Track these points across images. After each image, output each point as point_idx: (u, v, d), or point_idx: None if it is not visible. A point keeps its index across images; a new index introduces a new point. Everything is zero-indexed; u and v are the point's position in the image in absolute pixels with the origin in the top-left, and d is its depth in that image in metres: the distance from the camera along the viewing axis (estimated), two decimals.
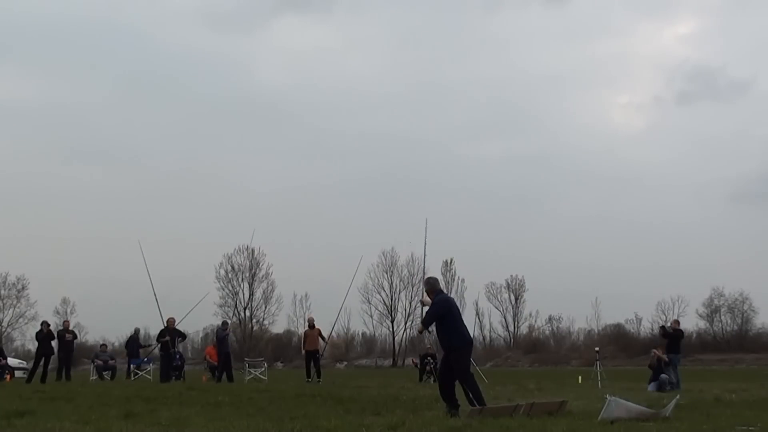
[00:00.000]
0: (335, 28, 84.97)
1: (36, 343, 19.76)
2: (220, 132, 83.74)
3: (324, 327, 21.75)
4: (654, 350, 17.08)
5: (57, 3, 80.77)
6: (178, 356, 21.12)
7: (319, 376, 19.88)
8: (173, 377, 20.26)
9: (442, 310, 8.71)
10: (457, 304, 9.10)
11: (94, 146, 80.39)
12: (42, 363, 18.92)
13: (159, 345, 20.28)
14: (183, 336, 21.45)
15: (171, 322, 20.09)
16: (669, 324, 17.48)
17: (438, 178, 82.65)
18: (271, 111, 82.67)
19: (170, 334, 19.81)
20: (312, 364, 20.23)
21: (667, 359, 16.14)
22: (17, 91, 78.51)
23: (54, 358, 20.24)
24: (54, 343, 19.56)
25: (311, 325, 21.27)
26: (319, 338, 20.81)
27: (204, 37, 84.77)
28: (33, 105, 78.23)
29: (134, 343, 23.33)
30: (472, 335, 9.20)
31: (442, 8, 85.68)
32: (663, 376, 15.77)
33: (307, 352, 20.49)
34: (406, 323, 65.18)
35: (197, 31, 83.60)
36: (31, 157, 79.37)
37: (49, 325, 19.74)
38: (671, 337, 17.20)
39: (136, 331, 25.22)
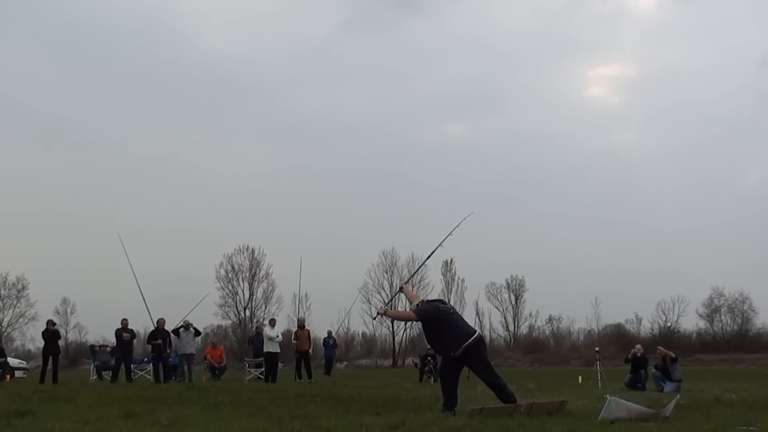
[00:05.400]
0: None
1: (41, 343, 19.49)
2: (221, 131, 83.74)
3: (324, 327, 21.93)
4: (659, 348, 17.22)
5: None
6: (175, 356, 21.04)
7: (310, 377, 19.99)
8: (173, 377, 20.21)
9: None
10: (458, 304, 9.16)
11: (90, 141, 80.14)
12: (51, 361, 18.71)
13: (151, 347, 20.17)
14: (177, 334, 21.35)
15: (161, 323, 20.00)
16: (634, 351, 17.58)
17: (438, 178, 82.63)
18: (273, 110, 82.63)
19: (161, 335, 19.76)
20: (303, 364, 20.39)
21: (674, 355, 16.20)
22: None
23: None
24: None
25: (302, 326, 21.53)
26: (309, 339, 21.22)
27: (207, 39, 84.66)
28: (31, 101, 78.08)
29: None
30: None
31: None
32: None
33: (299, 352, 20.65)
34: (406, 323, 65.18)
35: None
36: (31, 156, 79.35)
37: (54, 324, 19.53)
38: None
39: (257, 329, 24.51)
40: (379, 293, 65.44)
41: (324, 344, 28.57)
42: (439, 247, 9.74)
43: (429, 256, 10.16)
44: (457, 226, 9.78)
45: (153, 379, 19.87)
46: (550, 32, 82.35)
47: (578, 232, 77.46)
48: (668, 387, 15.43)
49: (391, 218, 77.70)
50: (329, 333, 28.58)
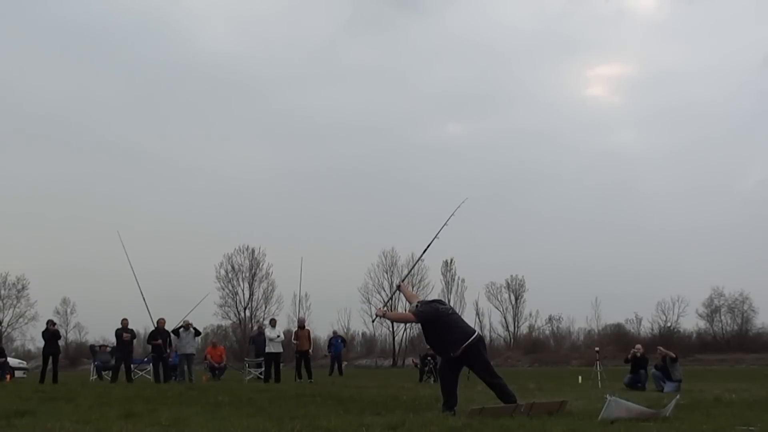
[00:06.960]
0: None
1: (41, 343, 19.41)
2: (221, 131, 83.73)
3: (324, 327, 22.06)
4: (659, 348, 17.24)
5: None
6: (175, 356, 21.04)
7: (310, 377, 20.02)
8: (173, 377, 20.22)
9: None
10: (458, 304, 9.16)
11: (90, 141, 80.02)
12: (51, 361, 18.62)
13: (151, 347, 20.16)
14: (177, 334, 21.34)
15: (161, 323, 20.00)
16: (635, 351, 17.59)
17: (438, 178, 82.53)
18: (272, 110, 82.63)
19: (161, 335, 19.75)
20: (303, 364, 20.42)
21: (674, 355, 16.22)
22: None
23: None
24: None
25: (302, 326, 21.57)
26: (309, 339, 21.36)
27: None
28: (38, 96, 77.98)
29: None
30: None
31: None
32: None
33: (299, 352, 20.68)
34: (405, 324, 65.14)
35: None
36: (30, 156, 79.28)
37: (54, 324, 19.44)
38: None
39: (260, 328, 24.57)
40: (379, 293, 65.44)
41: (331, 343, 28.59)
42: (436, 239, 9.74)
43: (427, 247, 10.11)
44: (452, 214, 9.81)
45: (153, 379, 19.88)
46: (550, 32, 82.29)
47: (578, 232, 77.46)
48: (668, 387, 15.44)
49: (391, 218, 77.65)
50: (335, 333, 28.65)
